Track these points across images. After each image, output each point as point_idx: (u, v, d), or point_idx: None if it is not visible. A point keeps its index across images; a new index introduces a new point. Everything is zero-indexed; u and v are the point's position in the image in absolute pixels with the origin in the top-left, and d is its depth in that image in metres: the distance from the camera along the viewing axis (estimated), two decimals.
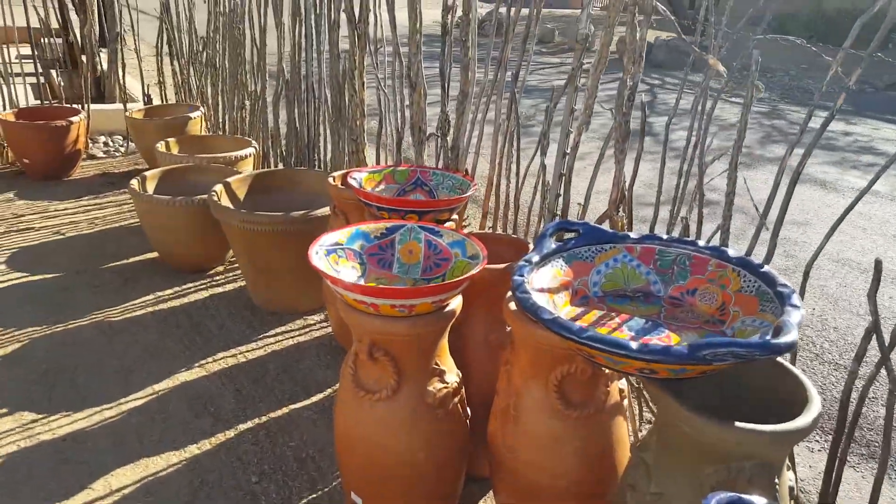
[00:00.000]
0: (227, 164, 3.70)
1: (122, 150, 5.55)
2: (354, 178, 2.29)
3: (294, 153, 3.83)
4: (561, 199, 1.95)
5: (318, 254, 1.67)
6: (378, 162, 3.23)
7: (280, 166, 4.14)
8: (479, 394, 1.78)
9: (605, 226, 1.76)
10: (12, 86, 4.97)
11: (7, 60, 4.84)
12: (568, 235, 1.60)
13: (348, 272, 1.73)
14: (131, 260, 3.57)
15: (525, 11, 2.25)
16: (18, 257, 3.51)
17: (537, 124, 6.35)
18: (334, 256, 1.74)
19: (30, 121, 4.67)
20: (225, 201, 3.10)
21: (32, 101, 5.14)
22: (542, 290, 1.43)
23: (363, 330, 1.57)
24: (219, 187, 3.10)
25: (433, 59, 3.27)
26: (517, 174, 2.37)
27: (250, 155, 3.89)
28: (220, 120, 4.86)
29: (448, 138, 2.48)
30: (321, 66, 3.35)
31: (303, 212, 2.86)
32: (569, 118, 1.86)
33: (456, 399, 1.63)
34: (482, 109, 2.44)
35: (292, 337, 2.96)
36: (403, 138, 2.85)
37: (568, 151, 1.90)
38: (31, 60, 5.19)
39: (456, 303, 1.63)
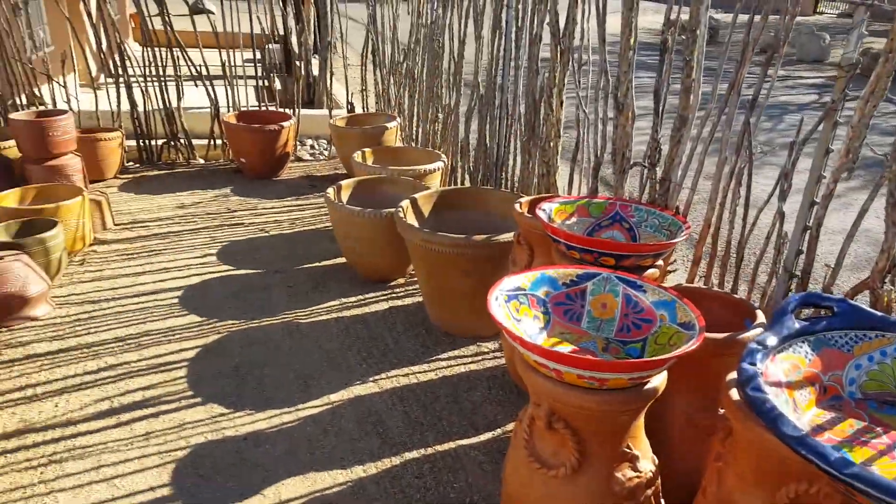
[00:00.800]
0: (417, 177, 3.75)
1: (326, 153, 5.96)
2: (543, 210, 2.12)
3: (481, 170, 3.78)
4: (803, 258, 1.60)
5: (498, 300, 1.53)
6: (570, 186, 3.04)
7: (467, 182, 4.12)
8: (679, 487, 1.51)
9: (866, 303, 1.40)
10: (237, 88, 5.56)
11: (233, 64, 5.42)
12: (806, 311, 1.28)
13: (530, 323, 1.57)
14: (323, 263, 3.76)
15: (744, 18, 1.92)
16: (228, 251, 3.87)
17: (769, 153, 5.65)
18: (515, 303, 1.59)
19: (248, 123, 5.18)
20: (410, 217, 3.11)
21: (253, 103, 5.71)
22: (778, 385, 1.15)
23: (542, 395, 1.40)
24: (405, 203, 3.13)
25: (640, 70, 2.99)
26: (744, 219, 2.03)
27: (439, 169, 3.91)
28: (414, 131, 4.98)
29: (657, 169, 2.22)
30: (517, 82, 3.24)
31: (485, 236, 2.77)
32: (822, 160, 1.51)
33: (649, 491, 1.40)
34: (704, 139, 2.13)
35: (465, 363, 2.88)
36: (602, 164, 2.63)
37: (818, 201, 1.55)
38: (254, 65, 5.77)
39: (659, 380, 1.39)
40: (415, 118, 4.92)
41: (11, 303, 2.86)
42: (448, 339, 3.05)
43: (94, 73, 6.05)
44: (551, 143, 2.85)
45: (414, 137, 5.01)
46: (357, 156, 4.08)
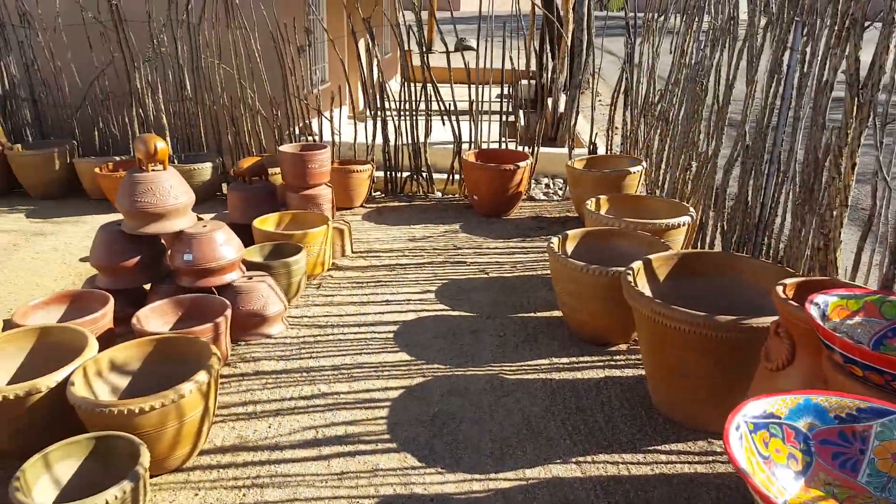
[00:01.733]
0: (656, 232, 3.39)
1: (560, 193, 5.82)
2: (816, 305, 1.68)
3: (737, 230, 3.28)
4: None
5: (739, 431, 1.19)
6: (855, 270, 2.45)
7: (717, 243, 3.63)
8: None
9: None
10: (481, 124, 5.71)
11: (481, 100, 5.58)
12: None
13: (782, 468, 1.19)
14: (537, 314, 3.59)
15: None
16: (446, 289, 3.91)
17: None
18: (764, 434, 1.23)
19: (485, 161, 5.27)
20: (641, 281, 2.79)
21: (495, 138, 5.82)
22: None
23: None
24: (637, 264, 2.81)
25: None
26: None
27: (684, 224, 3.50)
28: (660, 179, 4.59)
29: None
30: (795, 134, 2.74)
31: (733, 318, 2.34)
32: None
33: None
34: None
35: (689, 461, 2.46)
36: None
37: None
38: (501, 101, 5.89)
39: None
40: (663, 164, 4.53)
41: (252, 320, 3.18)
42: (671, 427, 2.65)
43: (359, 108, 6.77)
44: (834, 212, 2.33)
45: (659, 185, 4.62)
46: (590, 204, 3.85)
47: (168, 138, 5.73)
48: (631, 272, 2.75)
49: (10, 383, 2.46)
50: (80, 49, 5.64)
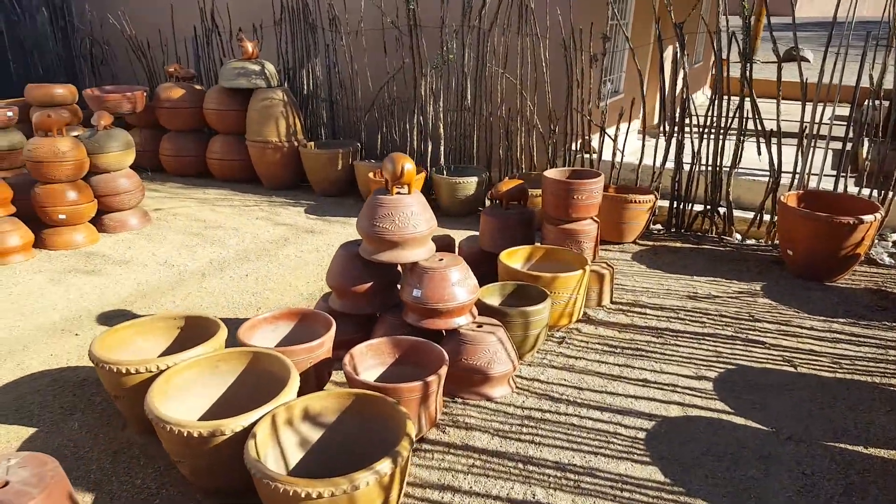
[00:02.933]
0: None
1: None
2: None
3: None
4: None
5: None
6: None
7: None
8: None
9: None
10: (811, 153, 4.50)
11: (817, 122, 4.38)
12: None
13: None
14: (869, 451, 2.50)
15: None
16: (730, 379, 2.99)
17: None
18: None
19: (811, 207, 4.10)
20: None
21: (828, 172, 4.55)
22: None
23: None
24: None
25: None
26: None
27: None
28: None
29: None
30: None
31: None
32: None
33: None
34: None
35: None
36: None
37: None
38: (843, 124, 4.59)
39: None
40: None
41: (474, 377, 2.72)
42: None
43: (650, 123, 5.97)
44: None
45: None
46: None
47: (442, 147, 5.65)
48: None
49: (212, 409, 2.36)
50: (375, 54, 5.85)
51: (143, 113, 6.23)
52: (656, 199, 4.76)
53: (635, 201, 4.60)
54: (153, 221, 5.03)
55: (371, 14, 5.81)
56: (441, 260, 2.84)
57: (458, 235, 4.83)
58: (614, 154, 5.00)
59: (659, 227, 5.16)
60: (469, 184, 5.26)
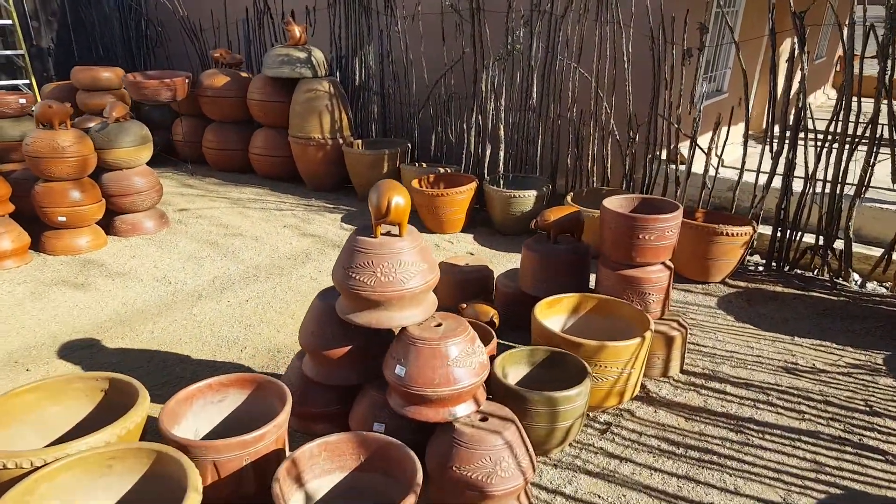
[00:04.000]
0: None
1: None
2: None
3: None
4: None
5: None
6: None
7: None
8: None
9: None
10: None
11: None
12: None
13: None
14: None
15: None
16: None
17: None
18: None
19: None
20: None
21: None
22: None
23: None
24: None
25: None
26: None
27: None
28: None
29: None
30: None
31: None
32: None
33: None
34: None
35: None
36: None
37: None
38: None
39: None
40: None
41: (465, 493, 2.02)
42: None
43: (756, 129, 4.99)
44: None
45: None
46: None
47: (502, 152, 4.92)
48: None
49: None
50: (433, 42, 5.18)
51: (186, 101, 5.87)
52: (755, 231, 3.84)
53: (727, 234, 3.71)
54: (171, 225, 4.61)
55: None
56: (438, 326, 2.15)
57: (507, 262, 4.11)
58: (706, 169, 4.11)
59: (756, 260, 4.23)
60: (526, 198, 4.51)
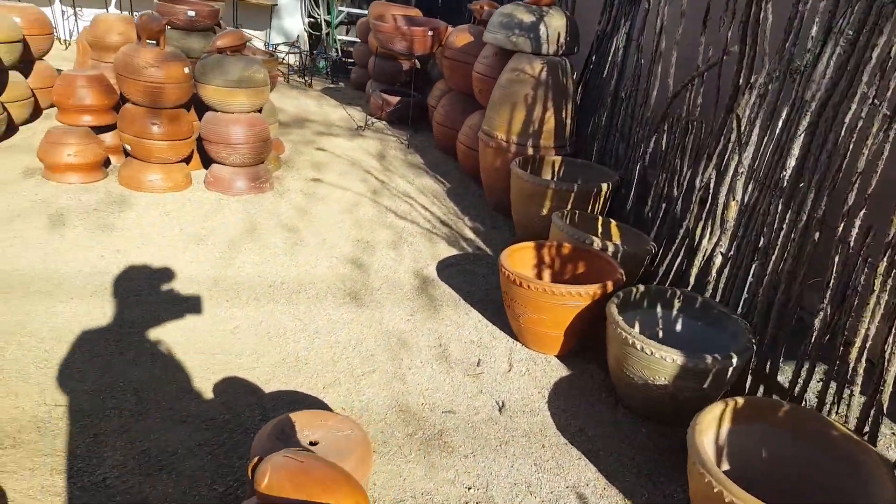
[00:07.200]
0: None
1: None
2: None
3: None
4: None
5: None
6: None
7: None
8: None
9: None
10: None
11: None
12: None
13: None
14: None
15: None
16: None
17: None
18: None
19: None
20: None
21: None
22: None
23: None
24: None
25: None
26: None
27: None
28: None
29: None
30: None
31: None
32: None
33: None
34: None
35: None
36: None
37: None
38: None
39: None
40: None
41: None
42: None
43: None
44: None
45: None
46: None
47: (727, 269, 2.62)
48: None
49: None
50: (693, 26, 3.02)
51: (431, 60, 4.94)
52: None
53: None
54: (266, 194, 3.83)
55: None
56: None
57: None
58: None
59: None
60: None
